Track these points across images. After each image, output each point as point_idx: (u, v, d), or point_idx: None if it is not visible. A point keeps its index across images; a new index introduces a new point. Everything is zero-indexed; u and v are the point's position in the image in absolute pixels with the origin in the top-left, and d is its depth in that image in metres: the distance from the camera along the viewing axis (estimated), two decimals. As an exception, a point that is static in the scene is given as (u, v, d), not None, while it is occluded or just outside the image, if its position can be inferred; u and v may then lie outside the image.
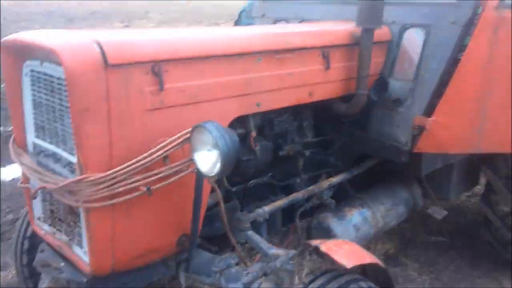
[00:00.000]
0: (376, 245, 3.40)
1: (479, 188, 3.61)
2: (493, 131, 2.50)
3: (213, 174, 1.62)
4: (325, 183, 2.47)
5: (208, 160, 1.62)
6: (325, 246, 1.78)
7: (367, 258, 1.80)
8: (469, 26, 2.31)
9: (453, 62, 2.33)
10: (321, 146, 2.59)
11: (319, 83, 2.32)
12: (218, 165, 1.59)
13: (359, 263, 1.74)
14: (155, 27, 12.60)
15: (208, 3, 19.30)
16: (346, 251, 1.81)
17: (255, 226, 2.19)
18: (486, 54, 2.34)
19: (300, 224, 2.44)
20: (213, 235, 2.16)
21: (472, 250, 3.45)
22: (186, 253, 2.00)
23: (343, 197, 2.65)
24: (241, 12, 4.04)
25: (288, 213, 2.47)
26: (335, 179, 2.52)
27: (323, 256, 1.82)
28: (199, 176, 1.77)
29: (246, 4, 4.18)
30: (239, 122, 2.08)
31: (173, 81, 1.75)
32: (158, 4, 18.39)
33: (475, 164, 3.08)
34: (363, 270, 1.91)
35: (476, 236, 3.48)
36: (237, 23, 4.02)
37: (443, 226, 3.69)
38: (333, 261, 1.73)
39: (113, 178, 1.59)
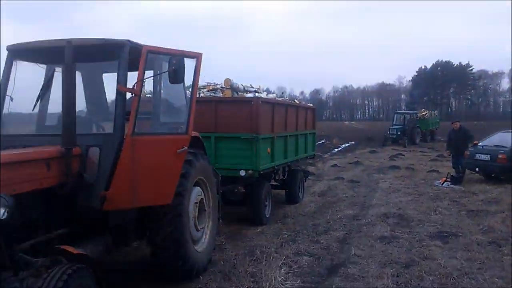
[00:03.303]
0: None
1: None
2: (141, 194, 5.08)
3: (3, 218, 3.55)
4: (56, 233, 4.50)
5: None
6: (63, 246, 3.88)
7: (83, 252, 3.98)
8: (121, 143, 4.90)
9: (115, 162, 4.85)
10: (54, 211, 4.59)
11: (45, 178, 4.43)
12: (5, 214, 3.55)
13: (79, 252, 3.89)
14: None
15: None
16: (72, 249, 3.93)
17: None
18: (130, 156, 4.93)
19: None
20: None
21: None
22: None
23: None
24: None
25: None
26: (62, 231, 4.59)
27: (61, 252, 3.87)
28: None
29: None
30: None
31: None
32: None
33: (143, 219, 5.60)
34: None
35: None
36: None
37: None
38: (68, 253, 3.83)
39: None
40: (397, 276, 5.96)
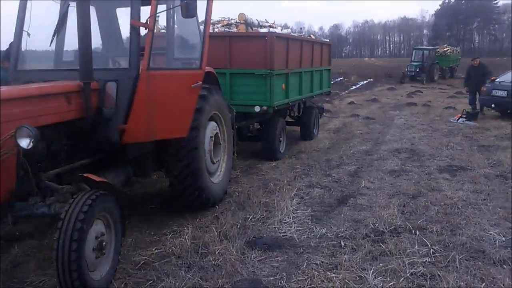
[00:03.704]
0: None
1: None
2: (158, 128, 5.27)
3: (29, 147, 3.78)
4: (78, 164, 4.77)
5: (25, 142, 3.77)
6: (86, 174, 4.14)
7: (105, 180, 4.23)
8: (137, 78, 5.03)
9: (132, 97, 5.01)
10: (76, 144, 4.85)
11: (66, 111, 4.63)
12: (31, 144, 3.77)
13: (102, 180, 4.15)
14: None
15: None
16: (95, 177, 4.18)
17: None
18: (146, 90, 5.05)
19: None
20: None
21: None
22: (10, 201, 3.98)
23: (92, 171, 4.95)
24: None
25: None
26: (84, 162, 4.85)
27: (85, 180, 4.15)
28: (19, 153, 3.86)
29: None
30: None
31: (2, 110, 3.81)
32: None
33: (161, 152, 5.84)
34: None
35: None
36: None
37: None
38: (91, 181, 4.09)
39: None
40: (404, 206, 6.19)
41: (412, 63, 33.58)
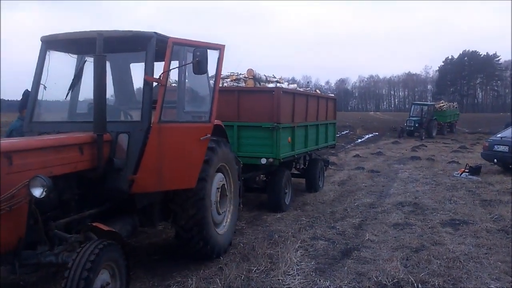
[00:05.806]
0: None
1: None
2: (167, 178, 5.37)
3: (42, 196, 3.87)
4: (87, 213, 4.85)
5: (38, 191, 3.86)
6: (94, 223, 4.20)
7: (112, 230, 4.29)
8: (148, 130, 5.18)
9: (143, 148, 5.14)
10: (85, 194, 4.94)
11: (78, 161, 4.76)
12: (44, 193, 3.86)
13: (109, 229, 4.20)
14: None
15: None
16: (103, 226, 4.24)
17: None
18: (156, 142, 5.19)
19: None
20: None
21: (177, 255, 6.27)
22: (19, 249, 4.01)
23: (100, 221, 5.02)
24: (11, 130, 6.18)
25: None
26: (92, 211, 4.92)
27: (93, 229, 4.20)
28: (31, 202, 3.94)
29: (12, 125, 6.38)
30: None
31: (18, 160, 3.93)
32: None
33: (167, 202, 5.90)
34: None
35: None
36: (9, 136, 6.08)
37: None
38: (98, 230, 4.15)
39: None
40: (407, 259, 6.14)
41: (411, 118, 33.08)
